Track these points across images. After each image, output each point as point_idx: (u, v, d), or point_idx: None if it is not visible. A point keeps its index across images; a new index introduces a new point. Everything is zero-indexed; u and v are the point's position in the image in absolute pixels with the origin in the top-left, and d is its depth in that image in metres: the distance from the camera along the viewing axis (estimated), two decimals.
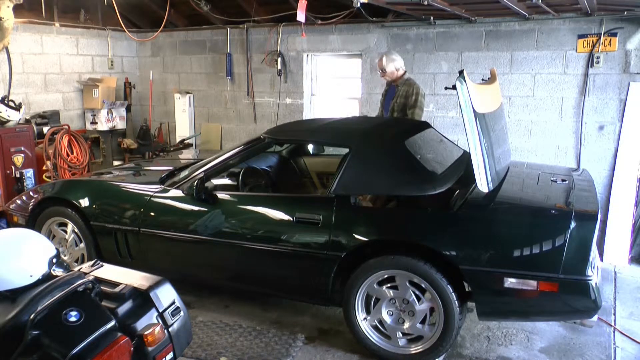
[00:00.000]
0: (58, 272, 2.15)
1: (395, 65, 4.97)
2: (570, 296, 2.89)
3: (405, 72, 5.05)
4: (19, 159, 5.66)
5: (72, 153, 6.36)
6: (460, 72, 2.88)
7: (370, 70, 6.26)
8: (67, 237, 4.10)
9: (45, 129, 6.31)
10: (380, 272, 3.17)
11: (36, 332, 1.76)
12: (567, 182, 3.58)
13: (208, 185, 3.64)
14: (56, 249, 2.21)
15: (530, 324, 3.76)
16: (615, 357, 3.40)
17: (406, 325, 3.20)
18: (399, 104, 4.97)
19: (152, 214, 3.77)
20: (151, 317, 2.05)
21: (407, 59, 6.04)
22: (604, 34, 5.08)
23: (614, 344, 3.56)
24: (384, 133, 3.77)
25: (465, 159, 3.64)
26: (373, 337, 3.29)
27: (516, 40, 5.50)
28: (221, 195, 3.64)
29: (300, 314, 3.93)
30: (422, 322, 3.17)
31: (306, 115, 6.87)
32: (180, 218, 3.72)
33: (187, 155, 6.31)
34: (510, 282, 2.91)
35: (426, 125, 4.14)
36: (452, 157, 3.82)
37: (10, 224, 4.40)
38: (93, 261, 2.32)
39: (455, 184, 3.42)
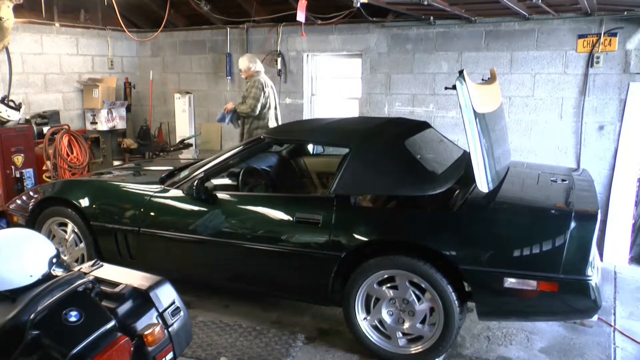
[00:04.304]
0: (58, 272, 2.14)
1: (248, 65, 5.74)
2: (570, 296, 2.90)
3: (257, 72, 5.72)
4: (19, 159, 5.66)
5: (72, 153, 6.36)
6: (460, 72, 2.87)
7: (370, 70, 6.26)
8: (67, 237, 4.10)
9: (45, 129, 6.31)
10: (380, 272, 3.17)
11: (36, 332, 1.75)
12: (567, 182, 3.58)
13: (208, 185, 3.65)
14: (56, 249, 2.20)
15: (530, 324, 3.76)
16: (615, 357, 3.40)
17: (406, 325, 3.20)
18: (242, 98, 5.72)
19: (152, 214, 3.77)
20: (151, 317, 2.05)
21: (407, 59, 6.05)
22: (604, 34, 5.08)
23: (614, 344, 3.56)
24: (383, 133, 3.77)
25: (465, 159, 3.64)
26: (373, 337, 3.28)
27: (516, 40, 5.50)
28: (221, 195, 3.64)
29: (300, 314, 3.93)
30: (422, 322, 3.17)
31: (306, 115, 6.86)
32: (180, 218, 3.72)
33: (187, 155, 6.32)
34: (510, 282, 2.91)
35: (426, 125, 4.14)
36: (452, 157, 3.82)
37: (10, 224, 4.40)
38: (93, 261, 2.31)
39: (455, 184, 3.42)
